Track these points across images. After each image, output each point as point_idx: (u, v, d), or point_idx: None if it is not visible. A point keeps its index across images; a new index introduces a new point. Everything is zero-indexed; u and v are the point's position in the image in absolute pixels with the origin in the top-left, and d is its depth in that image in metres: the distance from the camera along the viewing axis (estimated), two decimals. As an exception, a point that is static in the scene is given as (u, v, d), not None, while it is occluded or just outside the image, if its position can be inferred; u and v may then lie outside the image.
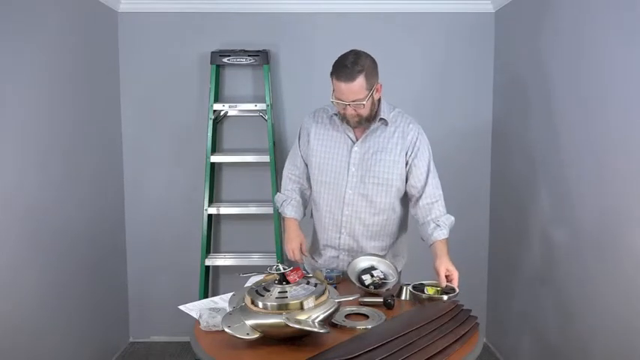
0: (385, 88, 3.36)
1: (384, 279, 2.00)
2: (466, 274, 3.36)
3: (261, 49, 3.30)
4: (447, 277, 1.96)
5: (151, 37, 3.38)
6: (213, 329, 1.67)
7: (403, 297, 1.96)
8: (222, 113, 3.43)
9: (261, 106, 3.30)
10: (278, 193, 2.37)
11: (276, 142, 3.34)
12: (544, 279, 2.73)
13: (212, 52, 3.28)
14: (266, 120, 3.32)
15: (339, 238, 2.21)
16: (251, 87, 3.44)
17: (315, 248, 2.34)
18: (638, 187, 1.98)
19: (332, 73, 2.01)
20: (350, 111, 2.03)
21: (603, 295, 2.21)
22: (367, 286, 1.96)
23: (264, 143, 3.40)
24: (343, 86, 1.97)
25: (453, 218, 2.15)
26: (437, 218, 2.11)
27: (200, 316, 1.71)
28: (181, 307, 1.90)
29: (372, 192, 2.13)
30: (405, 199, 2.22)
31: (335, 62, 2.02)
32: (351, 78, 1.96)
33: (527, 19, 2.92)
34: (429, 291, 1.90)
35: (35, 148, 2.47)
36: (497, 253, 3.43)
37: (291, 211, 2.27)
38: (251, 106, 3.33)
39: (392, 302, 1.85)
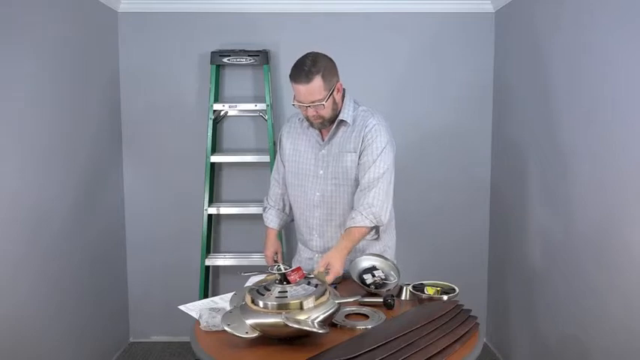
0: (384, 88, 3.40)
1: (385, 279, 2.00)
2: (466, 274, 3.41)
3: (261, 49, 3.30)
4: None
5: (151, 37, 3.38)
6: (213, 329, 1.67)
7: (403, 297, 1.96)
8: (222, 113, 3.43)
9: (261, 106, 3.30)
10: (265, 198, 2.43)
11: (276, 142, 3.33)
12: (544, 279, 2.73)
13: (212, 52, 3.28)
14: (266, 120, 3.32)
15: (312, 240, 2.23)
16: (251, 87, 3.44)
17: (297, 247, 2.38)
18: (637, 188, 1.98)
19: (290, 77, 2.01)
20: (311, 112, 2.03)
21: (603, 296, 2.21)
22: (368, 286, 1.96)
23: (264, 143, 3.40)
24: (301, 88, 1.98)
25: (374, 209, 2.00)
26: (356, 207, 2.03)
27: (200, 316, 1.72)
28: (181, 307, 1.90)
29: (337, 193, 2.14)
30: None
31: (292, 66, 2.02)
32: (307, 79, 1.96)
33: (527, 19, 2.92)
34: (429, 291, 1.90)
35: (35, 147, 2.46)
36: (497, 253, 3.43)
37: (268, 220, 2.37)
38: (251, 106, 3.33)
39: (392, 302, 1.86)
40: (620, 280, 2.09)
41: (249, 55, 3.26)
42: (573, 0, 2.45)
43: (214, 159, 3.32)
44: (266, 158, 3.28)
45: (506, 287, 3.26)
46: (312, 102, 1.99)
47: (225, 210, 3.36)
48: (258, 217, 3.37)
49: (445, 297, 1.86)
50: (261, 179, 3.42)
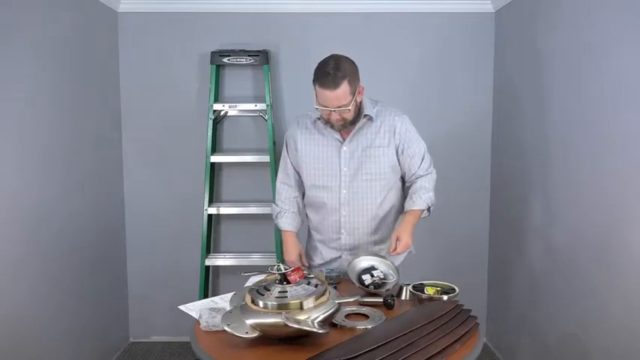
0: (385, 88, 3.40)
1: (384, 279, 2.00)
2: (466, 274, 3.41)
3: (261, 49, 3.30)
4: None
5: (151, 37, 3.38)
6: (213, 329, 1.67)
7: (403, 297, 1.96)
8: (222, 113, 3.43)
9: (261, 106, 3.30)
10: (273, 204, 2.40)
11: (276, 142, 3.34)
12: (544, 279, 2.73)
13: (212, 52, 3.28)
14: (266, 120, 3.32)
15: (340, 238, 2.23)
16: (251, 87, 3.44)
17: (314, 249, 2.36)
18: (637, 188, 1.98)
19: (314, 81, 2.01)
20: (335, 116, 2.05)
21: (603, 296, 2.21)
22: (367, 286, 1.96)
23: (264, 143, 3.40)
24: (328, 94, 1.98)
25: (431, 194, 2.20)
26: (414, 191, 2.19)
27: (200, 316, 1.72)
28: (181, 307, 1.90)
29: (366, 188, 2.17)
30: (400, 189, 2.27)
31: (316, 69, 2.02)
32: (335, 85, 1.96)
33: (527, 19, 2.92)
34: (429, 291, 1.90)
35: (35, 148, 2.47)
36: (497, 253, 3.43)
37: (286, 224, 2.32)
38: (251, 106, 3.33)
39: (392, 302, 1.86)
40: (620, 280, 2.09)
41: (249, 55, 3.26)
42: (572, 0, 2.45)
43: (214, 159, 3.32)
44: (266, 158, 3.28)
45: (506, 287, 3.26)
46: (339, 107, 2.00)
47: (225, 210, 3.36)
48: (258, 217, 3.40)
49: (445, 297, 1.86)
50: (261, 179, 3.42)
